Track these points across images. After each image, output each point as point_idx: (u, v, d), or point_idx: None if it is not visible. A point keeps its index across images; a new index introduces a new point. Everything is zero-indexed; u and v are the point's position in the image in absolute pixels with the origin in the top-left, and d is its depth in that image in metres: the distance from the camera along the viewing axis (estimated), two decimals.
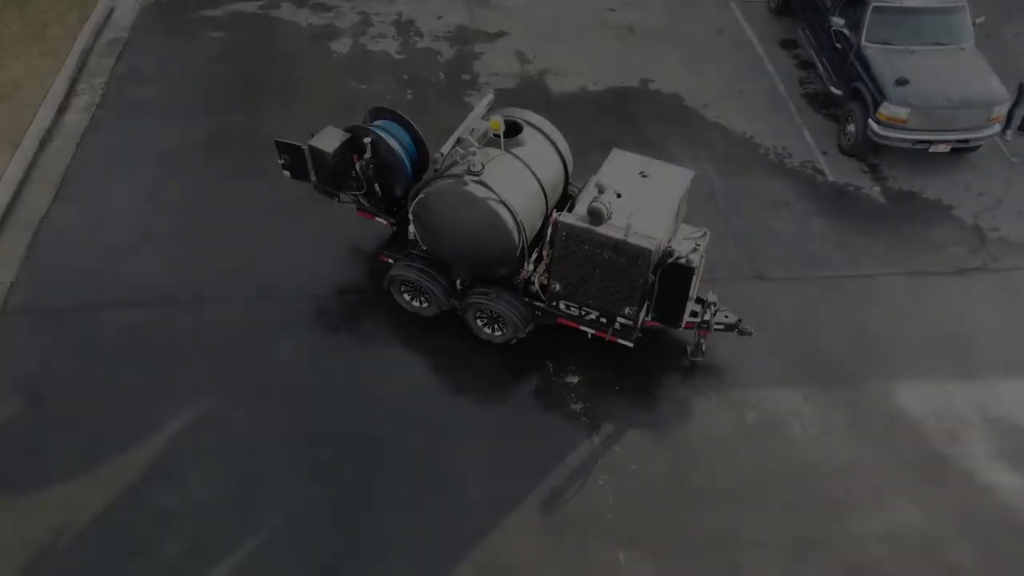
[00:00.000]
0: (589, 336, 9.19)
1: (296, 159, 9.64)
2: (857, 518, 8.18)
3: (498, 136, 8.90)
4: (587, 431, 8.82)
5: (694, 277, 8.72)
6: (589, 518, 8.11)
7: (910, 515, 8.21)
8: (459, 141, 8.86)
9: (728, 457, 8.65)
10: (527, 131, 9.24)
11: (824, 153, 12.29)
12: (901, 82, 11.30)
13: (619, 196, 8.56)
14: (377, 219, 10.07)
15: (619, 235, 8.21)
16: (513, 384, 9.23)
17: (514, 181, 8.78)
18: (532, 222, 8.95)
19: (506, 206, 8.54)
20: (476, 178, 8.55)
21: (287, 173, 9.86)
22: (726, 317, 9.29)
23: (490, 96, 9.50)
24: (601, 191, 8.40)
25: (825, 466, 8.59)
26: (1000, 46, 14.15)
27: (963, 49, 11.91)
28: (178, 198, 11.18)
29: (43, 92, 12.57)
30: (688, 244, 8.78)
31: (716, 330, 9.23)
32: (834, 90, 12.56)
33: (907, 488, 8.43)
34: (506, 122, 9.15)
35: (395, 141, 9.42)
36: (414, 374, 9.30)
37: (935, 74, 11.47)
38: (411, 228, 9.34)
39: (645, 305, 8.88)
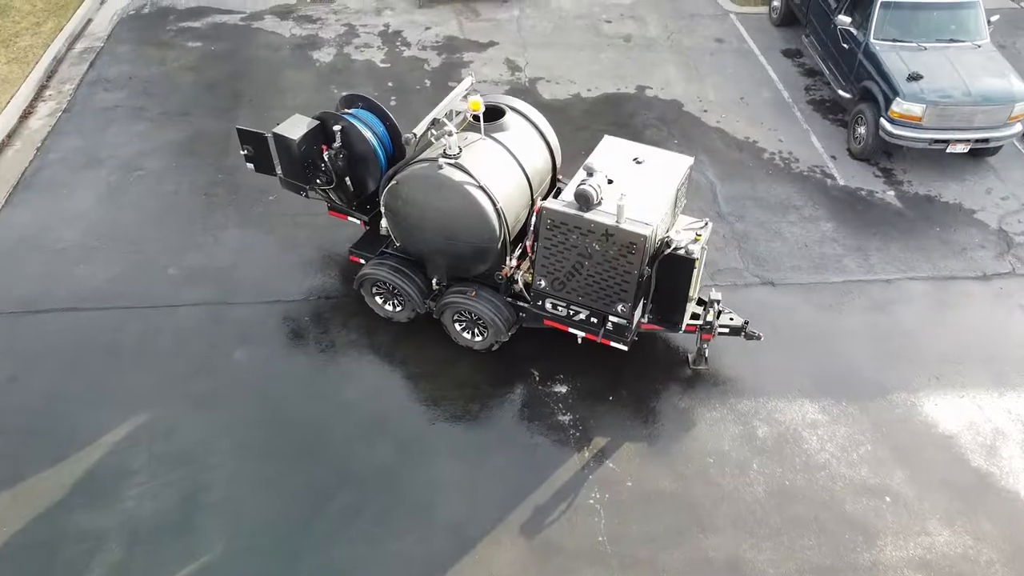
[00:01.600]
0: (579, 340, 8.26)
1: (260, 149, 8.87)
2: (887, 543, 7.11)
3: (477, 119, 8.14)
4: (576, 445, 7.82)
5: (695, 271, 7.83)
6: (578, 541, 7.05)
7: (949, 539, 7.14)
8: (434, 123, 8.10)
9: (736, 474, 7.62)
10: (511, 116, 8.48)
11: (833, 158, 11.50)
12: (914, 77, 10.56)
13: (611, 182, 7.74)
14: (350, 218, 9.27)
15: (610, 221, 7.36)
16: (494, 394, 8.27)
17: (494, 167, 7.97)
18: (515, 213, 8.11)
19: (485, 192, 7.72)
20: (452, 161, 7.75)
21: (251, 165, 9.07)
22: (731, 319, 8.37)
23: (470, 79, 8.76)
24: (590, 174, 7.59)
25: (848, 484, 7.55)
26: (1013, 55, 13.48)
27: (979, 46, 11.21)
28: (139, 202, 10.42)
29: (7, 98, 11.95)
30: (688, 235, 7.91)
31: (721, 334, 8.31)
32: (842, 94, 11.85)
33: (944, 509, 7.37)
34: (487, 106, 8.43)
35: (368, 130, 8.65)
36: (384, 383, 8.35)
37: (951, 70, 10.74)
38: (383, 222, 8.53)
39: (641, 303, 7.98)
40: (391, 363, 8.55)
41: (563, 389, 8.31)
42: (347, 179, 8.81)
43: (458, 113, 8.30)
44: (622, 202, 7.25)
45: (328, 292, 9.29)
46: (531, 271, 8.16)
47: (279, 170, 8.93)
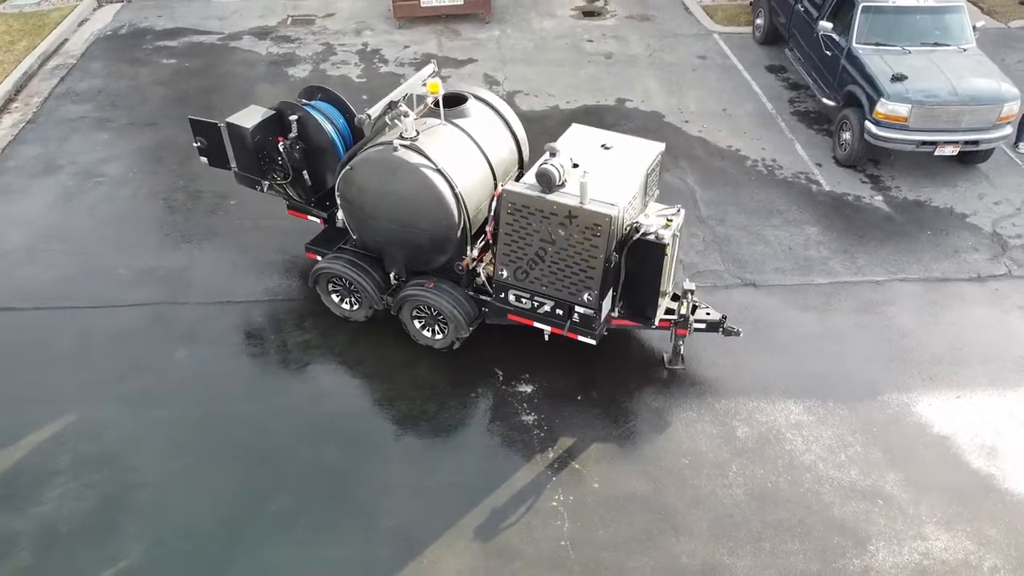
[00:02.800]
0: (546, 337, 7.71)
1: (214, 141, 8.49)
2: (880, 548, 6.42)
3: (438, 105, 7.77)
4: (540, 445, 7.20)
5: (667, 259, 7.32)
6: (538, 546, 6.39)
7: (948, 544, 6.45)
8: (391, 106, 7.72)
9: (714, 475, 6.97)
10: (473, 104, 8.11)
11: (819, 165, 11.09)
12: (898, 78, 10.22)
13: (576, 165, 7.31)
14: (310, 217, 8.82)
15: (573, 202, 6.90)
16: (453, 394, 7.69)
17: (454, 151, 7.56)
18: (476, 201, 7.66)
19: (442, 175, 7.28)
20: (408, 143, 7.34)
21: (204, 159, 8.69)
22: (708, 314, 7.84)
23: (431, 65, 8.42)
24: (553, 155, 7.16)
25: (836, 486, 6.89)
26: (1003, 71, 13.21)
27: (964, 50, 10.91)
28: (95, 207, 10.03)
29: None
30: (659, 220, 7.44)
31: (697, 330, 7.76)
32: (827, 102, 11.51)
33: (942, 512, 6.70)
34: (451, 94, 8.08)
35: (327, 122, 8.27)
36: (337, 384, 7.79)
37: (937, 71, 10.41)
38: (339, 214, 8.08)
39: (610, 295, 7.45)
40: (346, 363, 8.00)
41: (528, 389, 7.73)
42: (304, 173, 8.40)
43: (420, 99, 7.95)
44: (584, 179, 6.81)
45: (285, 294, 8.79)
46: (493, 263, 7.67)
47: (233, 163, 8.54)
